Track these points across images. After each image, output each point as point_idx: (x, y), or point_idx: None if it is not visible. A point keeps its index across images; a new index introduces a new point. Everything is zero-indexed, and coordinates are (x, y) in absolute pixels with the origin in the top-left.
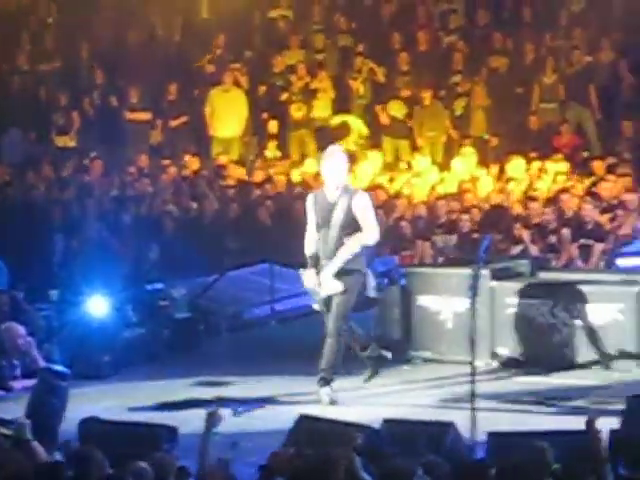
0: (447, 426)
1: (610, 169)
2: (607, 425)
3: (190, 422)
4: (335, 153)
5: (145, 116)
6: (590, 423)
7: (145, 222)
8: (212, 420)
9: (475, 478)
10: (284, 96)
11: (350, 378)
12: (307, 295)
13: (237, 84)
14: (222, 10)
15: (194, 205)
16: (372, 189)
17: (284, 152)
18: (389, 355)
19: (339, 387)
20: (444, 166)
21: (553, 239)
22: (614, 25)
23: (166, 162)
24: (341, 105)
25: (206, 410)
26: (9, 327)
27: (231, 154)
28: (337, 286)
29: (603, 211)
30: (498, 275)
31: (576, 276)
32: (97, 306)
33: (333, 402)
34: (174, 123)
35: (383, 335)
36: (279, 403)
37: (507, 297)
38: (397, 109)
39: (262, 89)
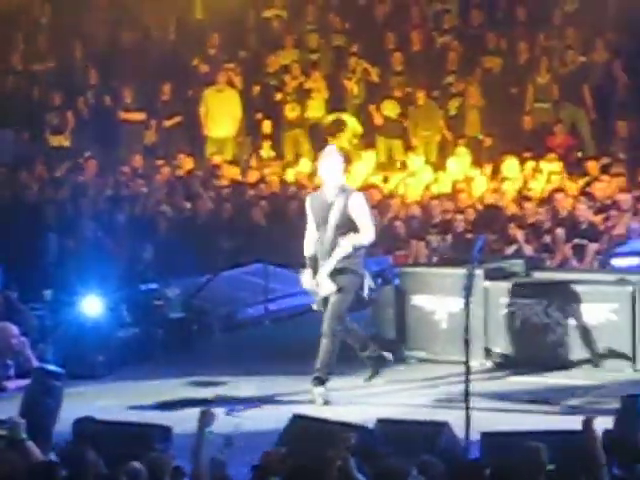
0: (441, 426)
1: (604, 169)
2: (601, 425)
3: (184, 422)
4: (332, 153)
5: (139, 116)
6: (587, 423)
7: (139, 222)
8: (205, 419)
9: (470, 478)
10: (278, 96)
11: (344, 378)
12: (301, 295)
13: (231, 84)
14: (216, 10)
15: (188, 205)
16: (366, 189)
17: (278, 152)
18: (390, 356)
19: (333, 387)
20: (438, 166)
21: (547, 239)
22: (608, 25)
23: (160, 162)
24: (335, 105)
25: (200, 409)
26: (3, 327)
27: (225, 154)
28: (331, 286)
29: (597, 211)
30: (492, 275)
31: (570, 276)
32: (91, 306)
33: (327, 402)
34: (168, 123)
35: (377, 335)
36: (273, 403)
37: (501, 297)
38: (390, 109)
39: (256, 89)
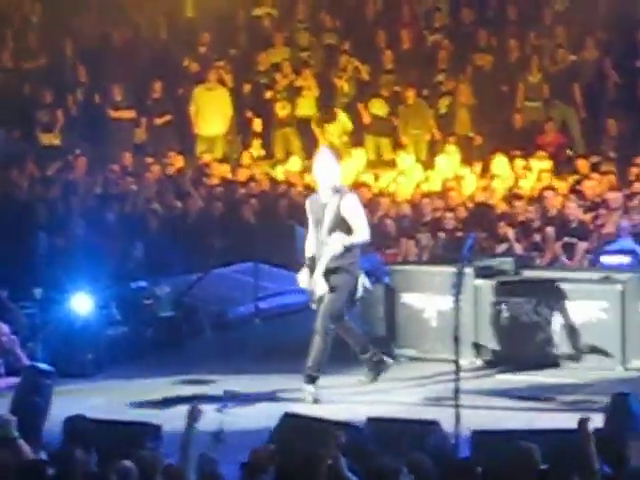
0: (431, 424)
1: (594, 167)
2: (591, 423)
3: (174, 420)
4: (325, 154)
5: (129, 114)
6: (583, 423)
7: (129, 220)
8: (193, 415)
9: (461, 477)
10: (269, 94)
11: (336, 376)
12: (291, 293)
13: (222, 82)
14: (207, 8)
15: (178, 203)
16: (356, 187)
17: (268, 150)
18: (390, 361)
19: (324, 385)
20: (428, 164)
21: (537, 237)
22: (598, 24)
23: (150, 160)
24: (326, 103)
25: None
26: None
27: (215, 152)
28: (324, 286)
29: (587, 209)
30: (482, 273)
31: (560, 274)
32: (81, 304)
33: (317, 400)
34: (158, 121)
35: (367, 333)
36: (263, 401)
37: (491, 295)
38: (378, 107)
39: (247, 87)
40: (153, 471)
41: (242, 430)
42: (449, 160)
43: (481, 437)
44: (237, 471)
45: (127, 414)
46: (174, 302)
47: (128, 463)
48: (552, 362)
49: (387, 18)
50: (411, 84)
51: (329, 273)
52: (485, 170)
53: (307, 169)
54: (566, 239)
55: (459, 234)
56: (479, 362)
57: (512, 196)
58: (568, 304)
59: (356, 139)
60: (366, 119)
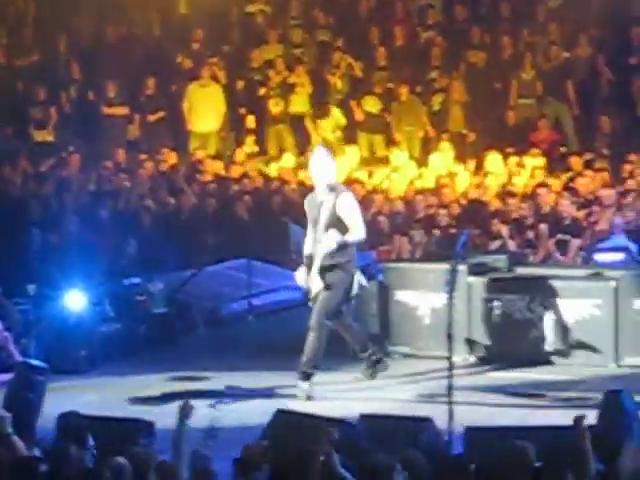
0: (425, 421)
1: (587, 164)
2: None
3: (168, 417)
4: (321, 153)
5: (122, 111)
6: (579, 421)
7: (123, 217)
8: (185, 412)
9: (454, 474)
10: (262, 91)
11: (329, 373)
12: (284, 290)
13: (215, 79)
14: (200, 5)
15: (172, 200)
16: (349, 184)
17: (262, 147)
18: (388, 364)
19: (318, 381)
20: (422, 161)
21: (530, 234)
22: (591, 21)
23: (143, 157)
24: (319, 100)
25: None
26: None
27: (208, 149)
28: (319, 283)
29: (580, 207)
30: (475, 270)
31: (553, 272)
32: (74, 301)
33: (310, 397)
34: (152, 118)
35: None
36: (256, 397)
37: (484, 292)
38: (371, 105)
39: (240, 84)
40: (146, 467)
41: (235, 426)
42: (442, 157)
43: (474, 434)
44: (230, 467)
45: (121, 410)
46: (167, 299)
47: (122, 460)
48: (545, 359)
49: (380, 15)
50: (404, 81)
51: (325, 271)
52: (478, 167)
53: (300, 166)
54: (559, 236)
55: (452, 231)
56: (472, 359)
57: (505, 194)
58: (561, 301)
59: (349, 136)
60: (359, 116)
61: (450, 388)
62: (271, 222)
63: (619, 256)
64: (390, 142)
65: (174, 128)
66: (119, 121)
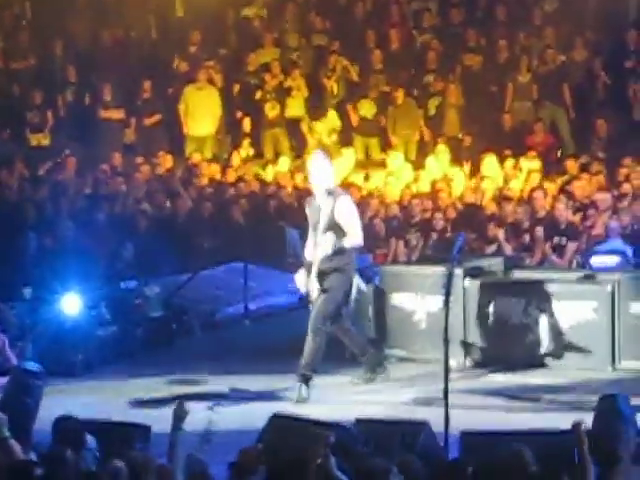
0: (420, 425)
1: (583, 168)
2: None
3: (164, 420)
4: (318, 156)
5: (119, 114)
6: (577, 426)
7: (119, 220)
8: (179, 415)
9: (450, 478)
10: (258, 94)
11: (326, 376)
12: (280, 294)
13: (211, 82)
14: (197, 8)
15: (168, 204)
16: (345, 187)
17: (258, 150)
18: (387, 368)
19: (314, 385)
20: (418, 165)
21: (527, 238)
22: (588, 24)
23: (140, 160)
24: (315, 103)
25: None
26: None
27: (205, 152)
28: (316, 287)
29: (576, 210)
30: (472, 274)
31: (549, 275)
32: (70, 304)
33: (305, 400)
34: (148, 121)
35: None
36: (252, 401)
37: (480, 296)
38: (367, 109)
39: (236, 87)
40: (144, 471)
41: (231, 430)
42: (438, 161)
43: (470, 438)
44: (225, 471)
45: (117, 414)
46: (164, 302)
47: (119, 463)
48: (541, 362)
49: (376, 18)
50: (400, 84)
51: (324, 274)
52: (474, 170)
53: (296, 169)
54: (555, 240)
55: (448, 235)
56: (469, 363)
57: (501, 198)
58: (557, 305)
59: (345, 139)
60: (354, 120)
61: (446, 392)
62: (267, 226)
63: (615, 259)
64: (386, 145)
65: (170, 131)
66: (115, 125)
